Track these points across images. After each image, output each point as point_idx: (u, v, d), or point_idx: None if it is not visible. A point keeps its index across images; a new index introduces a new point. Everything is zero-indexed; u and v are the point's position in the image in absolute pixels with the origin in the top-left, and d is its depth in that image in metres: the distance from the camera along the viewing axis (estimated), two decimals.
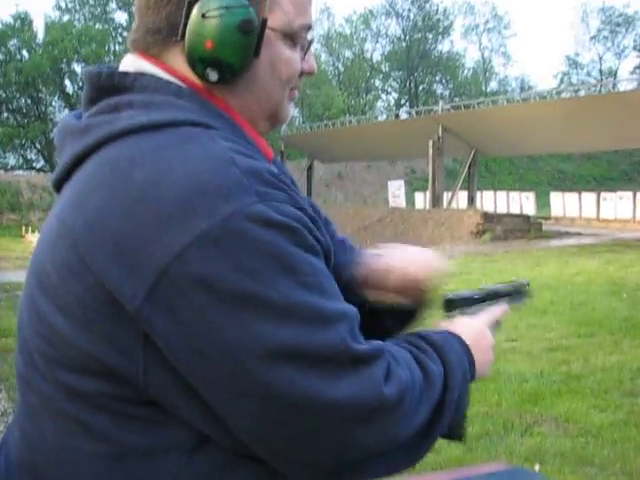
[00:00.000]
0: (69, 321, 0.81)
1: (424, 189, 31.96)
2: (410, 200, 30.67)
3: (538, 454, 3.94)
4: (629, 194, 24.47)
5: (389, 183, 33.63)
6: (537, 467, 3.73)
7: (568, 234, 21.36)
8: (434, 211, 23.16)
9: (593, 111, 19.83)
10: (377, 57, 66.33)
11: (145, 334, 0.78)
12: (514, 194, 29.54)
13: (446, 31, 66.34)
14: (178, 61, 0.91)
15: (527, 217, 22.27)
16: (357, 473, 0.85)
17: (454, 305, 1.14)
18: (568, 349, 6.47)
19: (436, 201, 24.61)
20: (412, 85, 65.00)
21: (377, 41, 66.38)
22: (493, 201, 29.15)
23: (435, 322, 1.11)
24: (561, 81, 71.66)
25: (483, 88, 67.13)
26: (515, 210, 26.53)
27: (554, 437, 4.24)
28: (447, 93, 63.84)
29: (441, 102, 31.11)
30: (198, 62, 0.88)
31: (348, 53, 64.64)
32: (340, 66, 62.77)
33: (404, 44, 64.53)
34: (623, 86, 54.78)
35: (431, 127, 24.54)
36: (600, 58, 70.04)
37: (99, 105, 0.89)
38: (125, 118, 0.85)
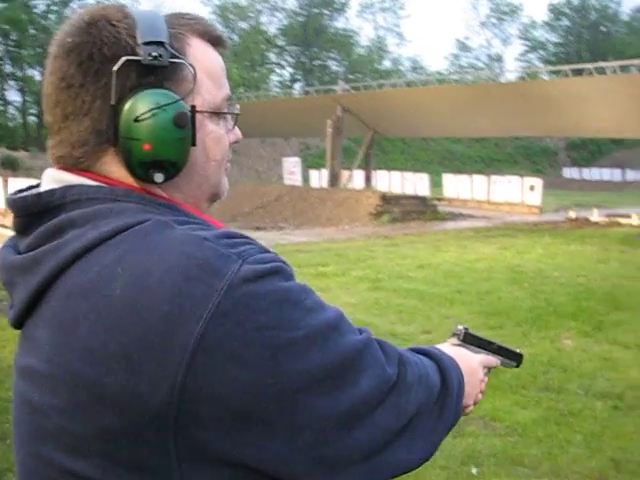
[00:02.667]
0: (89, 463, 0.77)
1: (318, 166, 32.23)
2: (305, 177, 30.68)
3: (472, 456, 4.08)
4: (518, 178, 25.49)
5: (284, 159, 33.32)
6: (475, 471, 3.85)
7: (462, 216, 22.09)
8: (333, 191, 23.29)
9: (483, 99, 20.71)
10: (273, 30, 65.86)
11: (176, 440, 0.75)
12: (408, 174, 30.11)
13: (342, 8, 66.64)
14: (112, 166, 0.87)
15: (424, 199, 22.79)
16: None
17: (468, 339, 1.21)
18: None
19: (334, 180, 24.79)
20: (307, 60, 64.97)
21: (273, 14, 65.89)
22: (388, 181, 29.61)
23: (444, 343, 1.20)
24: (451, 63, 73.69)
25: (377, 66, 67.97)
26: (409, 190, 27.08)
27: (484, 437, 4.40)
28: (342, 70, 64.20)
29: (341, 82, 31.11)
30: (138, 166, 0.85)
31: (244, 25, 63.78)
32: (236, 38, 61.77)
33: (300, 19, 64.33)
34: (512, 75, 56.87)
35: (330, 106, 24.64)
36: (488, 43, 72.41)
37: (36, 233, 0.84)
38: (72, 240, 0.81)
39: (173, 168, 0.87)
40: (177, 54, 0.87)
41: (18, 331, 0.90)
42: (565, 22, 71.40)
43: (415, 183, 28.58)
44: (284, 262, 0.83)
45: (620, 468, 4.05)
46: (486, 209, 24.92)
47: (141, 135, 0.84)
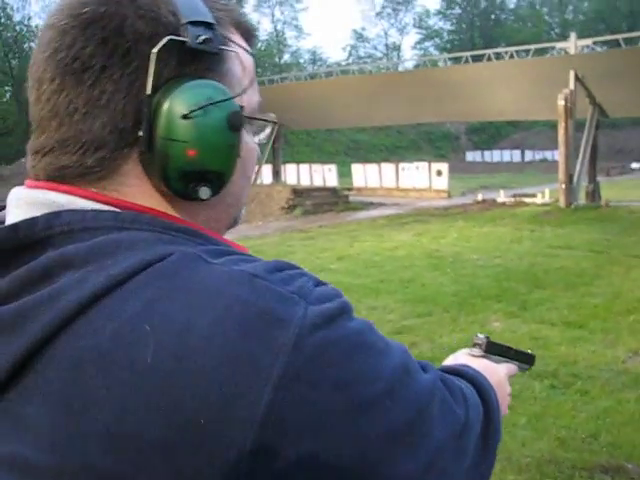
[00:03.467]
0: None
1: None
2: None
3: None
4: (425, 164, 25.93)
5: None
6: None
7: (372, 204, 22.27)
8: None
9: (384, 88, 21.04)
10: None
11: None
12: (316, 166, 30.15)
13: (239, 2, 66.09)
14: (130, 178, 0.68)
15: (335, 190, 22.84)
16: None
17: (491, 349, 1.11)
18: (412, 330, 6.66)
19: None
20: None
21: None
22: (296, 174, 29.57)
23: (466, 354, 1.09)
24: (349, 54, 74.48)
25: (277, 60, 67.93)
26: (318, 182, 27.17)
27: None
28: None
29: None
30: (177, 177, 0.67)
31: None
32: None
33: None
34: (410, 64, 58.06)
35: None
36: (385, 33, 73.55)
37: (14, 278, 0.62)
38: (71, 287, 0.59)
39: (219, 181, 0.69)
40: (226, 41, 0.71)
41: None
42: (457, 10, 73.29)
43: (324, 175, 28.65)
44: (341, 292, 0.66)
45: (567, 447, 4.03)
46: (395, 196, 25.26)
47: (187, 136, 0.66)
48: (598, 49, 19.49)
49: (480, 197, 21.74)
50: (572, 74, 17.40)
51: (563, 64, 17.80)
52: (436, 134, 58.82)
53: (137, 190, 0.68)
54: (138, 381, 0.55)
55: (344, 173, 29.93)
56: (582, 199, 18.38)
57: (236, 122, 0.68)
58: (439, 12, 73.91)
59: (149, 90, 0.64)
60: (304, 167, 30.49)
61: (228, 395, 0.54)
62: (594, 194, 18.87)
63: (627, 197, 19.86)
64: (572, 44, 19.45)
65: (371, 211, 20.63)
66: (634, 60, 16.68)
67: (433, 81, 20.51)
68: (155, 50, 0.64)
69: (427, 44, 73.89)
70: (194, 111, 0.65)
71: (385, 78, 22.95)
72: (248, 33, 0.77)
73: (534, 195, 20.65)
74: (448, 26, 74.05)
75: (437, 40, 73.64)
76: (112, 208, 0.66)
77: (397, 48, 74.42)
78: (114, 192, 0.67)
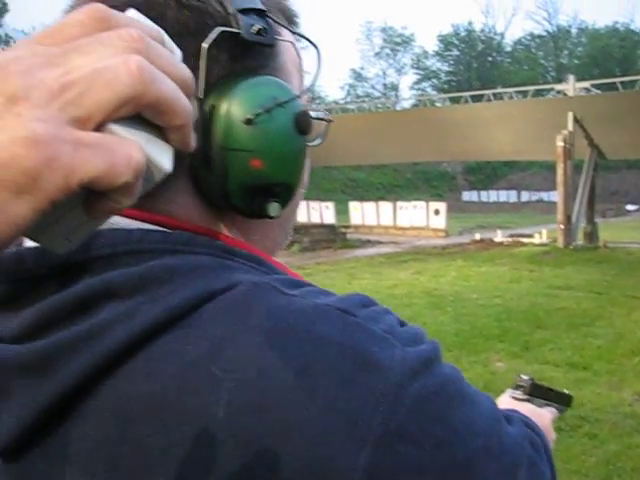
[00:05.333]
0: None
1: None
2: None
3: None
4: (423, 203, 25.95)
5: None
6: None
7: (370, 242, 22.17)
8: None
9: (383, 127, 21.27)
10: None
11: None
12: (314, 203, 30.15)
13: None
14: (178, 195, 0.59)
15: (333, 227, 22.82)
16: None
17: (535, 392, 1.04)
18: None
19: None
20: None
21: None
22: None
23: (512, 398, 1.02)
24: (348, 92, 75.20)
25: None
26: (316, 219, 27.14)
27: None
28: None
29: None
30: (240, 193, 0.58)
31: None
32: None
33: None
34: (407, 103, 58.74)
35: None
36: (384, 73, 74.45)
37: (42, 309, 0.52)
38: (117, 321, 0.49)
39: (287, 195, 0.60)
40: (279, 31, 0.61)
41: None
42: (455, 52, 74.27)
43: (321, 212, 28.63)
44: (424, 331, 0.57)
45: None
46: (393, 234, 25.21)
47: (251, 145, 0.56)
48: (595, 92, 19.66)
49: (478, 236, 21.72)
50: (571, 116, 17.54)
51: (562, 106, 17.96)
52: (433, 173, 59.12)
53: (188, 208, 0.59)
54: (207, 440, 0.45)
55: (341, 210, 29.96)
56: (580, 240, 18.38)
57: (304, 124, 0.59)
58: (437, 53, 74.95)
59: (201, 93, 0.55)
60: (302, 204, 30.17)
61: (320, 457, 0.45)
62: (592, 235, 18.87)
63: (624, 239, 19.88)
64: (570, 86, 19.65)
65: (369, 249, 20.55)
66: (631, 103, 16.84)
67: (432, 120, 20.66)
68: (206, 45, 0.55)
69: (425, 84, 74.71)
70: (260, 115, 0.56)
71: (383, 117, 23.14)
72: (293, 20, 0.67)
73: (532, 235, 20.64)
74: (445, 67, 75.01)
75: (434, 81, 74.48)
76: (160, 228, 0.56)
77: (395, 88, 75.22)
78: (162, 210, 0.58)
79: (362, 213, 28.20)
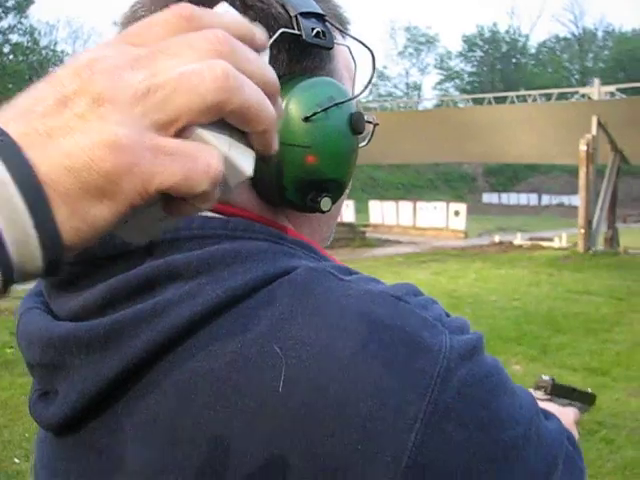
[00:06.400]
0: None
1: None
2: None
3: None
4: (443, 204, 25.89)
5: None
6: None
7: (389, 242, 22.15)
8: None
9: (405, 126, 21.19)
10: None
11: None
12: None
13: None
14: (238, 196, 0.63)
15: (352, 226, 22.79)
16: None
17: (556, 391, 1.05)
18: None
19: None
20: None
21: None
22: None
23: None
24: (370, 91, 75.00)
25: None
26: None
27: None
28: None
29: None
30: (295, 187, 0.61)
31: None
32: None
33: None
34: (430, 103, 58.47)
35: None
36: (407, 72, 74.14)
37: (105, 288, 0.55)
38: (180, 300, 0.52)
39: (339, 191, 0.64)
40: (336, 35, 0.64)
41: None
42: (479, 53, 73.83)
43: (342, 210, 28.66)
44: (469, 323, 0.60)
45: None
46: (412, 234, 25.15)
47: (308, 141, 0.59)
48: (620, 96, 19.51)
49: (497, 239, 21.63)
50: (595, 120, 17.42)
51: (586, 109, 17.85)
52: (453, 175, 58.88)
53: (245, 199, 0.62)
54: (266, 413, 0.48)
55: (361, 209, 29.95)
56: (601, 245, 18.26)
57: (358, 125, 0.62)
58: (460, 54, 74.59)
59: None
60: None
61: (373, 433, 0.48)
62: (612, 240, 18.74)
63: None
64: (595, 90, 19.54)
65: (388, 248, 20.53)
66: None
67: (454, 121, 20.61)
68: (268, 44, 0.60)
69: (447, 85, 74.43)
70: (317, 113, 0.59)
71: (405, 116, 23.11)
72: (346, 27, 0.69)
73: (551, 239, 20.52)
74: (469, 68, 74.64)
75: (457, 81, 74.18)
76: (219, 215, 0.59)
77: (418, 87, 74.98)
78: (220, 199, 0.62)
79: (382, 212, 28.17)
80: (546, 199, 52.57)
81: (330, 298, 0.53)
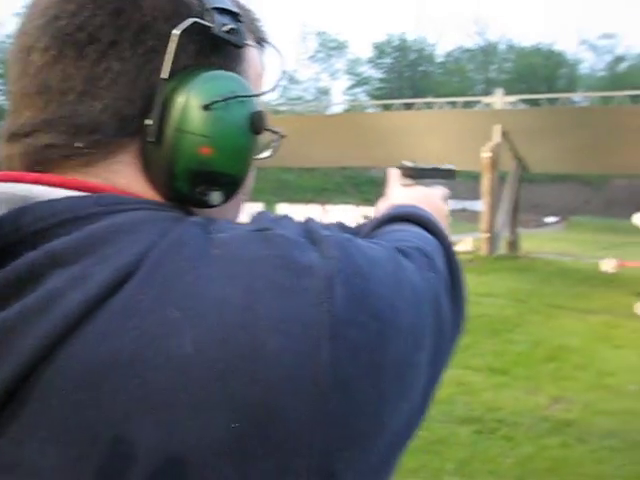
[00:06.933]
0: None
1: None
2: None
3: None
4: (352, 207, 26.16)
5: None
6: None
7: None
8: None
9: (314, 130, 21.34)
10: None
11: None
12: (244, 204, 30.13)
13: None
14: (122, 175, 0.59)
15: None
16: None
17: (420, 174, 1.12)
18: None
19: None
20: None
21: None
22: None
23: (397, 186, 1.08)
24: (280, 95, 75.17)
25: None
26: (245, 220, 27.12)
27: None
28: None
29: None
30: (184, 176, 0.59)
31: None
32: None
33: None
34: (340, 108, 59.24)
35: None
36: (317, 77, 74.74)
37: None
38: (68, 288, 0.48)
39: (231, 188, 0.62)
40: (248, 38, 0.65)
41: None
42: (388, 60, 75.20)
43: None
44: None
45: None
46: None
47: (204, 130, 0.58)
48: (522, 106, 20.26)
49: None
50: (498, 128, 18.00)
51: (489, 118, 18.40)
52: (361, 179, 59.70)
53: (131, 182, 0.59)
54: (184, 379, 0.46)
55: (270, 211, 30.01)
56: (503, 249, 18.87)
57: (259, 124, 0.62)
58: (370, 60, 75.72)
59: (166, 74, 0.57)
60: None
61: (286, 366, 0.47)
62: (514, 245, 19.41)
63: (543, 249, 20.52)
64: (498, 99, 20.20)
65: None
66: (555, 119, 17.41)
67: (362, 126, 20.86)
68: (177, 31, 0.56)
69: (357, 90, 75.37)
70: (217, 102, 0.58)
71: (314, 120, 23.23)
72: (262, 41, 0.71)
73: (455, 243, 21.09)
74: (379, 74, 75.85)
75: (367, 87, 75.26)
76: (87, 194, 0.56)
77: (327, 92, 75.69)
78: (104, 179, 0.58)
79: (290, 215, 28.29)
80: (451, 204, 54.01)
81: (208, 248, 0.52)
